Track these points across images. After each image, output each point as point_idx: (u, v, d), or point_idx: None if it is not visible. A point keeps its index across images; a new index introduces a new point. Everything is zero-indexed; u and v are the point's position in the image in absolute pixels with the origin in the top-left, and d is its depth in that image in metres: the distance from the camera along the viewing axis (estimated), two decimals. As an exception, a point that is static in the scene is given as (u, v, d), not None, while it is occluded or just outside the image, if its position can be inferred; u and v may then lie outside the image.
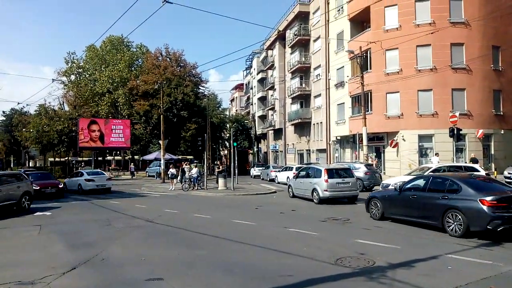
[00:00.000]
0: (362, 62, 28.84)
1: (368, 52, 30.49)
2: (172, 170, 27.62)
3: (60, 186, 23.04)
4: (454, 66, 28.42)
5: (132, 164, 50.94)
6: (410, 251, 8.73)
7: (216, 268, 7.78)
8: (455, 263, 7.68)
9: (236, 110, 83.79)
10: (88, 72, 58.03)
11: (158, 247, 9.82)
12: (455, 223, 10.16)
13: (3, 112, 69.30)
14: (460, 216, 10.00)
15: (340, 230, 11.62)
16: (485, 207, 9.51)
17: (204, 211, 15.93)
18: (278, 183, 31.19)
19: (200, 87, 55.77)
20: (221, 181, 25.95)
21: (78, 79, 58.31)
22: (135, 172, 46.46)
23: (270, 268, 7.66)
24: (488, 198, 9.60)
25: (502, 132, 29.73)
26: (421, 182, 12.04)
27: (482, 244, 9.22)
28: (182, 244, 10.13)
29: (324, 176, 17.36)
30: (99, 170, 32.73)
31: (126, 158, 61.28)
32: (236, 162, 26.94)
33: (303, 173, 20.07)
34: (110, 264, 8.24)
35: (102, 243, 10.22)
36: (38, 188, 21.35)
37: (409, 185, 12.31)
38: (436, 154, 25.72)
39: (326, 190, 17.22)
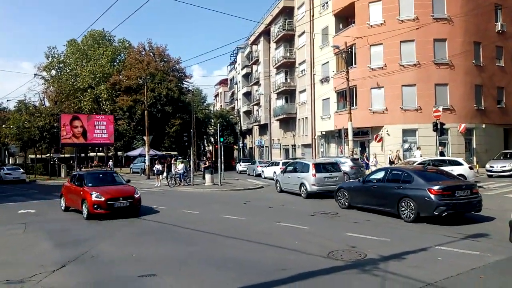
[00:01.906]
0: (347, 57, 29.02)
1: (353, 47, 30.71)
2: (158, 166, 27.39)
3: (137, 196, 13.78)
4: (437, 61, 28.87)
5: (110, 160, 50.65)
6: (400, 243, 8.85)
7: (209, 264, 7.76)
8: (445, 255, 7.82)
9: (221, 106, 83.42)
10: (69, 67, 56.83)
11: (148, 243, 9.74)
12: (407, 210, 11.30)
13: (-19, 108, 67.43)
14: (411, 204, 11.14)
15: (329, 224, 11.72)
16: (432, 195, 10.64)
17: (192, 207, 15.85)
18: (265, 178, 31.24)
19: (184, 82, 55.25)
20: (208, 176, 25.84)
21: (59, 74, 57.11)
22: (113, 169, 46.63)
23: (263, 263, 7.68)
24: (435, 188, 10.69)
25: (484, 126, 30.38)
26: (381, 173, 13.26)
27: (469, 235, 9.40)
28: (172, 240, 10.07)
29: (312, 170, 17.46)
30: (17, 166, 43.06)
31: (109, 154, 60.44)
32: (222, 157, 26.87)
33: (290, 168, 20.14)
34: (101, 261, 8.15)
35: (91, 241, 10.09)
36: (103, 200, 12.97)
37: (371, 177, 13.68)
38: (418, 148, 26.23)
39: (314, 185, 17.33)
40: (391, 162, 24.99)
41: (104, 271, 7.51)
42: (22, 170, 38.88)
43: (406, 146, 29.66)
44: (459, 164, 19.80)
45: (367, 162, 27.27)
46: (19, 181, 36.05)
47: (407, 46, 29.25)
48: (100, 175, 15.86)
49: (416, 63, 28.95)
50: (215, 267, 7.55)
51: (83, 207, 13.42)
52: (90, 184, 14.02)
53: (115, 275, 7.21)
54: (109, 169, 47.63)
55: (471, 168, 20.37)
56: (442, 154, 23.99)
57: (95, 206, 12.95)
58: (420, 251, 8.07)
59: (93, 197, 13.03)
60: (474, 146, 30.34)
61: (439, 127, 23.25)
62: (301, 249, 8.50)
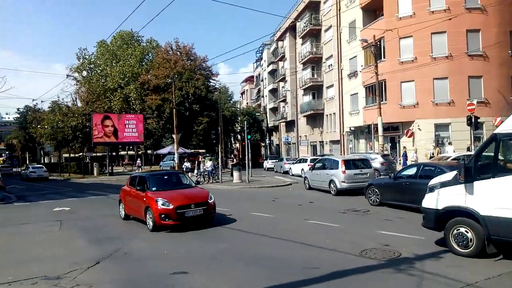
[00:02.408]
0: (376, 51, 28.38)
1: (382, 40, 30.01)
2: (187, 164, 27.71)
3: (211, 202, 11.50)
4: (470, 53, 27.83)
5: (138, 159, 52.03)
6: (435, 242, 8.56)
7: (239, 261, 7.74)
8: (484, 254, 7.50)
9: (247, 103, 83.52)
10: (100, 68, 58.33)
11: (179, 240, 9.82)
12: None
13: (18, 109, 70.15)
14: None
15: (360, 221, 11.48)
16: None
17: (221, 204, 15.82)
18: (292, 175, 31.04)
19: (211, 80, 55.68)
20: (236, 174, 25.93)
21: (90, 75, 58.69)
22: (141, 167, 48.12)
23: (294, 261, 7.60)
24: None
25: (521, 120, 29.07)
26: (413, 170, 13.17)
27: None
28: (203, 237, 10.11)
29: (342, 167, 17.19)
30: (41, 165, 47.17)
31: (139, 152, 61.71)
32: (250, 155, 26.87)
33: (319, 164, 19.89)
34: (133, 258, 8.28)
35: (123, 238, 10.28)
36: (172, 208, 10.63)
37: (402, 173, 13.62)
38: (450, 143, 25.37)
39: (344, 182, 17.05)
40: (431, 158, 24.20)
41: (137, 268, 7.62)
42: (45, 169, 43.48)
43: (436, 141, 28.78)
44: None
45: (406, 158, 26.53)
46: (43, 178, 40.43)
47: (438, 38, 28.33)
48: (165, 177, 13.30)
49: (448, 55, 28.01)
50: (246, 265, 7.52)
51: (147, 216, 11.20)
52: (154, 188, 11.77)
53: (147, 272, 7.29)
54: (137, 167, 48.87)
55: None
56: (468, 150, 23.08)
57: (163, 216, 10.67)
58: (458, 250, 7.76)
59: (160, 205, 10.78)
60: (511, 140, 29.08)
61: (473, 121, 22.41)
62: (332, 247, 8.35)
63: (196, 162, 28.43)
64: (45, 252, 9.16)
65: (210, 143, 42.28)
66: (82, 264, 7.85)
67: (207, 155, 40.57)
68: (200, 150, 46.18)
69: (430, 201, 8.07)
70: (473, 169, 7.15)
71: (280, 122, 60.92)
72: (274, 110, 65.07)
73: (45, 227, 12.42)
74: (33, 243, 10.22)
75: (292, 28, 51.35)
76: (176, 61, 51.17)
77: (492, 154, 7.19)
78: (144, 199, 11.48)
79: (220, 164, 27.75)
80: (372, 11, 33.64)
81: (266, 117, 68.07)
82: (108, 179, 36.43)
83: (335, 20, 38.59)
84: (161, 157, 50.05)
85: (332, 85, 41.29)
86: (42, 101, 63.05)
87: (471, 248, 7.20)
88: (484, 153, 7.44)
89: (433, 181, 8.23)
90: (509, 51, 28.54)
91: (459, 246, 7.36)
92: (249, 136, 27.14)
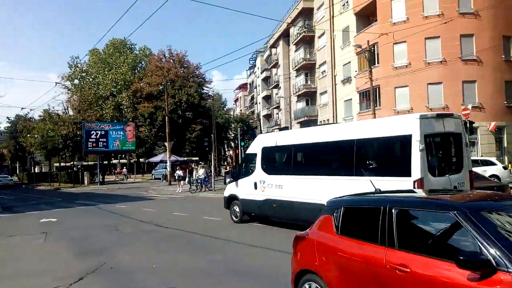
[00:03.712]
0: (370, 56, 28.22)
1: (376, 46, 29.88)
2: (179, 172, 27.22)
3: None
4: (464, 58, 27.76)
5: (124, 167, 51.69)
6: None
7: (231, 275, 7.30)
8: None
9: (241, 110, 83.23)
10: (92, 76, 57.79)
11: (169, 252, 9.35)
12: None
13: (8, 118, 69.07)
14: None
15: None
16: None
17: (214, 213, 15.42)
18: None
19: (204, 87, 55.33)
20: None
21: (82, 83, 58.10)
22: (128, 175, 48.08)
23: (278, 274, 7.15)
24: None
25: (515, 124, 29.00)
26: None
27: None
28: (194, 249, 9.65)
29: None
30: (6, 175, 54.33)
31: (131, 161, 61.03)
32: (243, 162, 26.44)
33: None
34: (120, 273, 7.80)
35: (111, 250, 9.78)
36: None
37: None
38: None
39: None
40: None
41: (123, 284, 7.13)
42: (10, 178, 52.06)
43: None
44: (492, 164, 18.85)
45: None
46: (8, 186, 47.06)
47: (432, 43, 28.24)
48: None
49: (442, 60, 27.92)
50: (238, 278, 7.07)
51: None
52: None
53: (133, 288, 6.82)
54: (124, 176, 48.27)
55: (505, 168, 19.36)
56: None
57: None
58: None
59: None
60: (505, 145, 28.97)
61: (468, 126, 22.16)
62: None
63: (187, 170, 27.97)
64: (27, 266, 8.65)
65: (203, 151, 41.76)
66: (65, 280, 7.34)
67: (201, 162, 40.07)
68: (193, 158, 45.67)
69: (225, 191, 13.69)
70: (237, 173, 13.34)
71: (274, 129, 60.52)
72: (268, 117, 64.83)
73: (30, 240, 11.90)
74: (16, 258, 9.69)
75: (285, 35, 51.29)
76: (169, 69, 50.77)
77: (244, 165, 13.31)
78: None
79: (213, 171, 27.25)
80: (366, 17, 33.57)
81: (260, 124, 67.66)
82: (98, 188, 35.78)
83: (329, 26, 38.51)
84: (153, 165, 49.48)
85: (325, 92, 41.11)
86: (31, 110, 61.83)
87: (239, 218, 12.72)
88: (243, 164, 13.62)
89: (228, 180, 14.23)
90: (503, 56, 28.51)
91: (234, 217, 12.93)
92: (242, 143, 26.73)
